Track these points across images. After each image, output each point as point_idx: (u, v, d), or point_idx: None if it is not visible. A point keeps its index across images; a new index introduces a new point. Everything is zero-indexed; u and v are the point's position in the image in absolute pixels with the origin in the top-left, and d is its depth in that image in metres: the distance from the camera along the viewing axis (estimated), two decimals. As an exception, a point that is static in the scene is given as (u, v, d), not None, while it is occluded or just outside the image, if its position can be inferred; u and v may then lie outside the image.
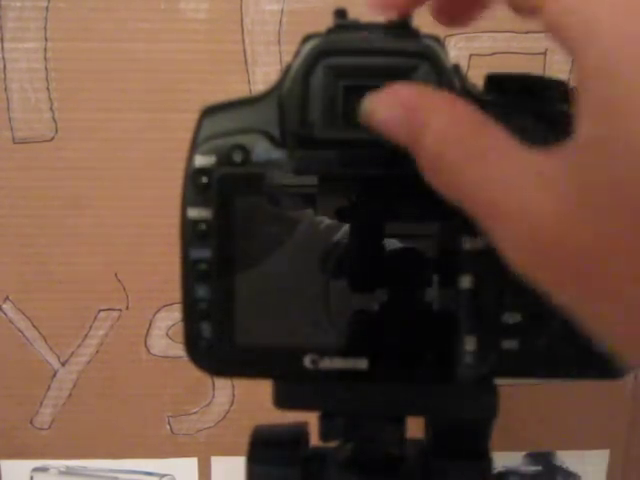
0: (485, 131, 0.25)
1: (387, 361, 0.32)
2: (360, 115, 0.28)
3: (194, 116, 0.32)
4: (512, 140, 0.25)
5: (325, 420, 0.36)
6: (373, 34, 0.29)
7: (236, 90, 0.62)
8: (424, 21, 0.31)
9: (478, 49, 0.60)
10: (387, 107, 0.27)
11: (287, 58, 0.31)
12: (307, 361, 0.32)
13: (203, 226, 0.31)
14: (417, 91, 0.27)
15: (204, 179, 0.31)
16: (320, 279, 0.31)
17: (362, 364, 0.31)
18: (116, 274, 0.67)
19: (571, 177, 0.23)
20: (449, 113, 0.26)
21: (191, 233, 0.31)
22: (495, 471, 0.38)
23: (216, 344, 0.32)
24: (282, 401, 0.34)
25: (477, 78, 0.33)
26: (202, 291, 0.32)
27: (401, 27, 0.30)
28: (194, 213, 0.31)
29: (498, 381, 0.33)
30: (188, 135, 0.32)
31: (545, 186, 0.23)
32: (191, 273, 0.31)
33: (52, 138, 0.63)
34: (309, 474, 0.39)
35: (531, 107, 0.30)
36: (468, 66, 0.60)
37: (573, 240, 0.23)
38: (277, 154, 0.30)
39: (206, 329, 0.32)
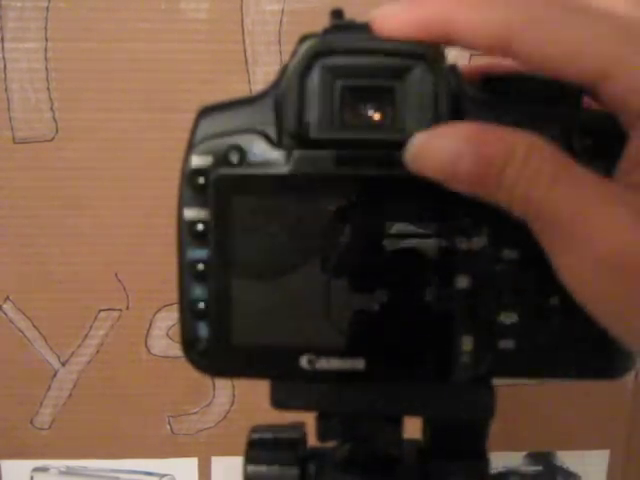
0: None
1: (384, 361, 0.32)
2: (406, 156, 0.28)
3: (194, 116, 0.32)
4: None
5: (322, 420, 0.36)
6: (369, 34, 0.29)
7: (236, 90, 0.62)
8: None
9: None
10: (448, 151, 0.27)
11: (288, 58, 0.31)
12: (304, 361, 0.31)
13: (200, 227, 0.31)
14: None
15: (201, 180, 0.31)
16: (319, 279, 0.31)
17: (359, 364, 0.31)
18: (116, 274, 0.67)
19: None
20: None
21: (188, 234, 0.31)
22: (495, 471, 0.38)
23: (213, 344, 0.32)
24: (279, 401, 0.34)
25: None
26: (199, 291, 0.31)
27: None
28: (191, 214, 0.31)
29: (496, 381, 0.33)
30: (188, 135, 0.32)
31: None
32: (188, 273, 0.31)
33: (52, 138, 0.63)
34: (307, 474, 0.39)
35: (534, 110, 0.30)
36: (468, 66, 0.60)
37: None
38: (274, 154, 0.30)
39: (203, 329, 0.32)
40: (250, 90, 0.63)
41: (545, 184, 0.25)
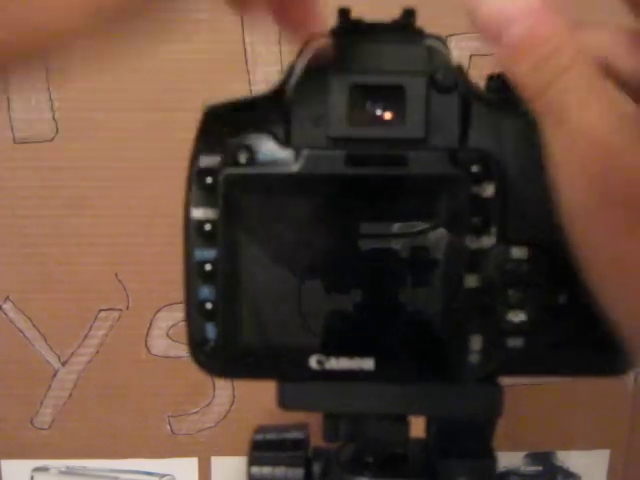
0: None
1: (393, 361, 0.32)
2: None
3: (194, 116, 0.32)
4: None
5: (329, 421, 0.36)
6: (378, 34, 0.29)
7: (236, 90, 0.61)
8: (428, 21, 0.31)
9: (478, 49, 0.60)
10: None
11: (287, 58, 0.31)
12: (313, 361, 0.31)
13: (208, 226, 0.31)
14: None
15: (209, 179, 0.30)
16: (329, 279, 0.31)
17: (369, 364, 0.31)
18: (116, 274, 0.67)
19: None
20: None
21: (195, 234, 0.31)
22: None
23: (221, 345, 0.32)
24: (286, 402, 0.33)
25: (477, 78, 0.33)
26: (207, 292, 0.31)
27: (405, 27, 0.30)
28: (199, 213, 0.31)
29: (502, 380, 0.33)
30: (189, 135, 0.31)
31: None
32: (196, 274, 0.31)
33: (52, 138, 0.63)
34: (311, 475, 0.39)
35: None
36: (468, 66, 0.60)
37: None
38: (283, 154, 0.30)
39: (211, 330, 0.32)
40: (250, 90, 0.63)
41: (578, 89, 0.25)
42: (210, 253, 0.31)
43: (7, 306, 0.67)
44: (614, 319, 0.27)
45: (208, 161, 0.31)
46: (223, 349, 0.32)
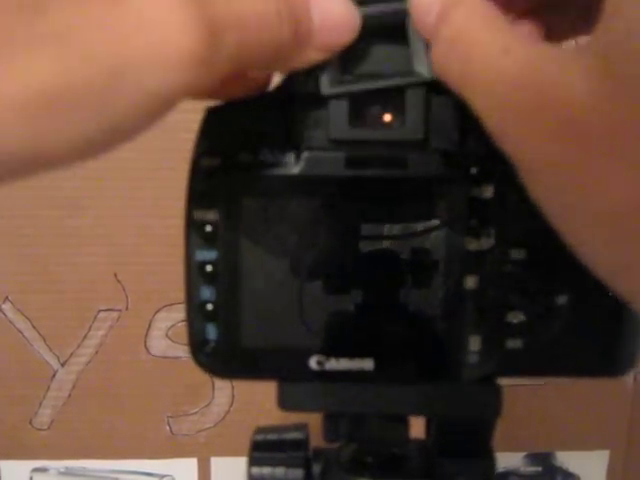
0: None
1: (393, 361, 0.32)
2: None
3: (195, 116, 0.32)
4: None
5: (329, 421, 0.36)
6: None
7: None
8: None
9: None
10: None
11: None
12: (313, 362, 0.31)
13: (209, 228, 0.31)
14: None
15: (210, 181, 0.30)
16: (330, 280, 0.31)
17: (368, 364, 0.31)
18: (116, 274, 0.67)
19: (597, 51, 0.22)
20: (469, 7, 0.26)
21: (197, 235, 0.31)
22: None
23: (222, 346, 0.32)
24: (287, 403, 0.33)
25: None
26: (208, 293, 0.31)
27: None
28: (200, 215, 0.31)
29: (501, 380, 0.33)
30: (189, 135, 0.31)
31: (572, 59, 0.23)
32: (197, 275, 0.31)
33: (52, 138, 0.63)
34: (312, 475, 0.39)
35: None
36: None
37: (603, 112, 0.22)
38: (284, 155, 0.30)
39: (212, 331, 0.32)
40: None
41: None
42: (211, 254, 0.31)
43: (6, 306, 0.67)
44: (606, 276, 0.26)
45: (209, 162, 0.30)
46: (224, 350, 0.32)
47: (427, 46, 0.27)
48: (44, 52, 0.21)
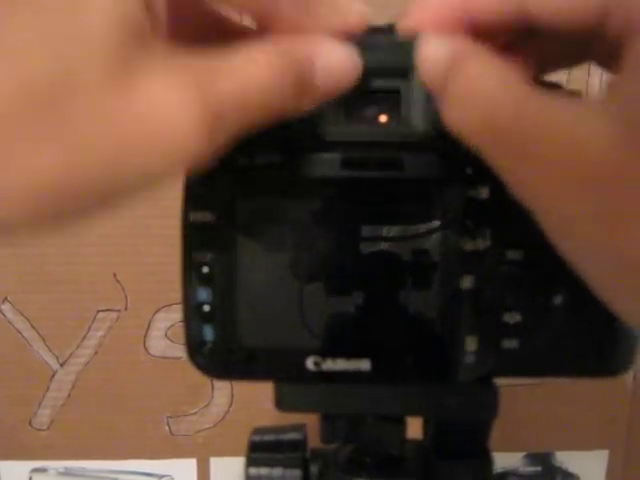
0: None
1: (390, 362, 0.32)
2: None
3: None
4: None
5: (326, 422, 0.36)
6: (375, 35, 0.29)
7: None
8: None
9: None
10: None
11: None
12: (310, 363, 0.31)
13: (206, 229, 0.31)
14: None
15: (206, 183, 0.30)
16: (325, 281, 0.31)
17: (365, 365, 0.31)
18: (115, 275, 0.67)
19: (621, 103, 0.22)
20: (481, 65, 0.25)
21: (193, 236, 0.31)
22: (494, 472, 0.38)
23: (219, 347, 0.32)
24: (283, 403, 0.33)
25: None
26: (205, 294, 0.31)
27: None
28: (196, 216, 0.31)
29: (498, 381, 0.33)
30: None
31: (594, 111, 0.23)
32: (193, 276, 0.31)
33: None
34: (309, 476, 0.39)
35: None
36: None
37: (632, 165, 0.22)
38: (280, 157, 0.30)
39: (209, 332, 0.32)
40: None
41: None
42: (207, 256, 0.31)
43: (5, 307, 0.67)
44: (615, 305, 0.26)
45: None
46: (221, 351, 0.32)
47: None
48: (45, 146, 0.21)
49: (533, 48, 0.29)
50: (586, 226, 0.23)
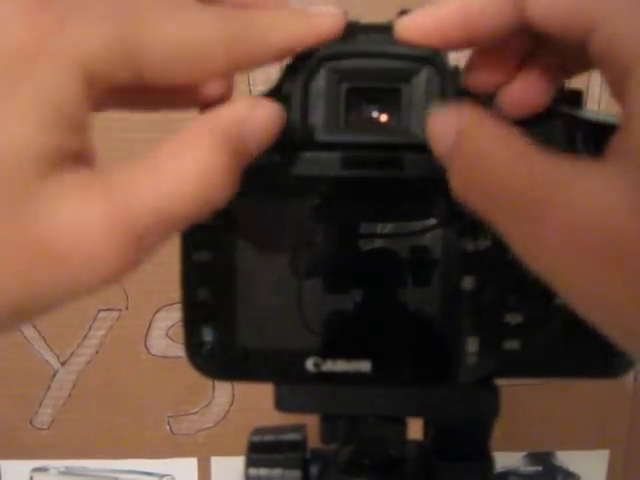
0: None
1: (390, 363, 0.32)
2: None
3: (194, 116, 0.31)
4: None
5: (327, 423, 0.36)
6: (375, 36, 0.29)
7: (236, 90, 0.61)
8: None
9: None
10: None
11: (286, 60, 0.31)
12: (310, 364, 0.31)
13: (205, 230, 0.31)
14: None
15: None
16: (324, 282, 0.31)
17: (365, 366, 0.31)
18: (115, 274, 0.66)
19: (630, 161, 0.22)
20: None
21: (192, 237, 0.31)
22: (495, 471, 0.38)
23: (218, 348, 0.32)
24: (283, 404, 0.33)
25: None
26: (204, 295, 0.31)
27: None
28: None
29: (499, 381, 0.33)
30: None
31: (602, 176, 0.22)
32: (193, 277, 0.31)
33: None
34: (309, 477, 0.39)
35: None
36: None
37: None
38: (279, 157, 0.30)
39: (208, 333, 0.32)
40: (249, 91, 0.62)
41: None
42: (206, 256, 0.31)
43: (6, 306, 0.67)
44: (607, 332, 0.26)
45: None
46: (220, 352, 0.32)
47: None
48: None
49: (547, 59, 0.29)
50: (616, 306, 0.22)
